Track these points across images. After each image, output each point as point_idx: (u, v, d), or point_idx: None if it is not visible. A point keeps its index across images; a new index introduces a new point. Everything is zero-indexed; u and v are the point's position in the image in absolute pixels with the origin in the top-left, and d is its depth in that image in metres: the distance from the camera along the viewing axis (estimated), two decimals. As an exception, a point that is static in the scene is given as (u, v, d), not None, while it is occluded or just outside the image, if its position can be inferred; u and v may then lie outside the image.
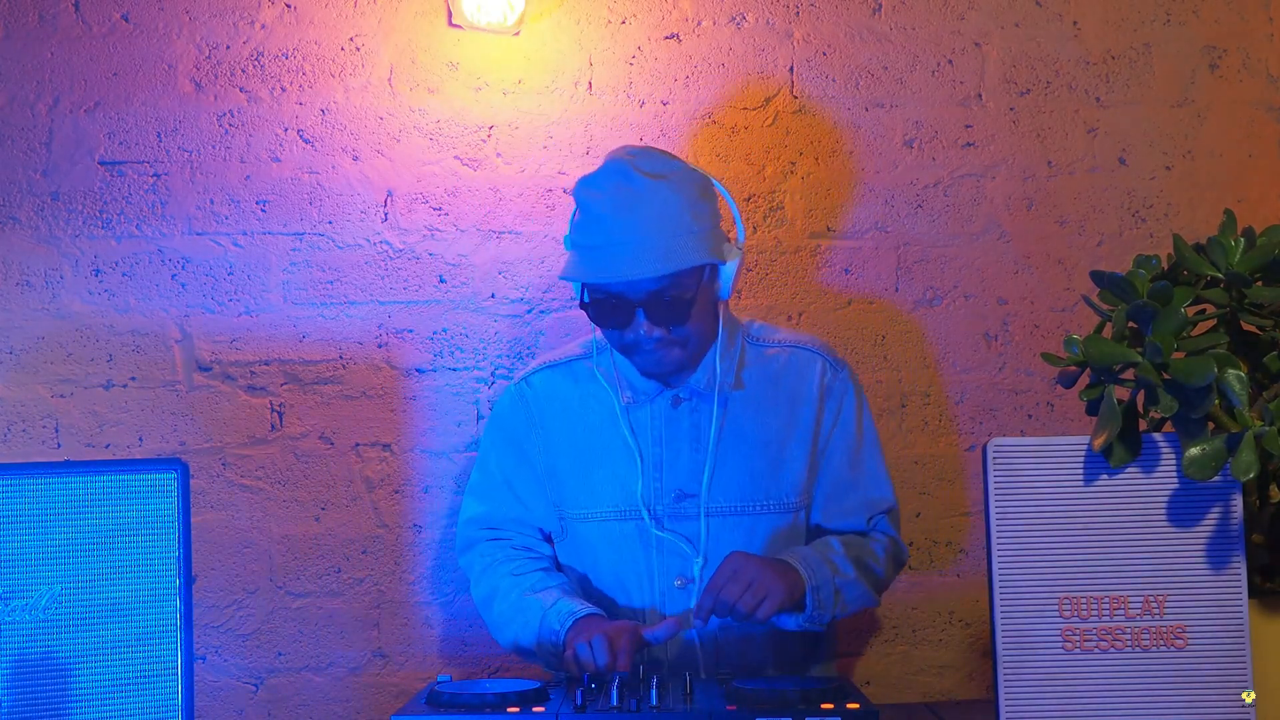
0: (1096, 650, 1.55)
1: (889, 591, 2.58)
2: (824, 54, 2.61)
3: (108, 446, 2.50)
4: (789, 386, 2.06)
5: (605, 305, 1.94)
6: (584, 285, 1.95)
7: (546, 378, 2.12)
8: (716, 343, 2.02)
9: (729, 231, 2.09)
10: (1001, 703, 1.55)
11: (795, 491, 2.04)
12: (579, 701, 1.61)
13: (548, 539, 2.12)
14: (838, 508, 2.07)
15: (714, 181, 2.02)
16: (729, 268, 1.97)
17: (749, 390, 2.04)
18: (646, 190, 1.91)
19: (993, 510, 1.57)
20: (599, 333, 2.06)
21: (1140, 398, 1.55)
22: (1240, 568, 1.55)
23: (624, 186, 1.91)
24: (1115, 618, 1.55)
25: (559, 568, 2.12)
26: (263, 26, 2.55)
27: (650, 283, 1.90)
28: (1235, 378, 1.48)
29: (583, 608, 1.93)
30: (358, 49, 2.56)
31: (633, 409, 2.04)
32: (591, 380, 2.08)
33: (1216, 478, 1.51)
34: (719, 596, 1.82)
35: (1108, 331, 1.60)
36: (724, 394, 2.02)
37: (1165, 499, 1.56)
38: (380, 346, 2.55)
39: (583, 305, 1.97)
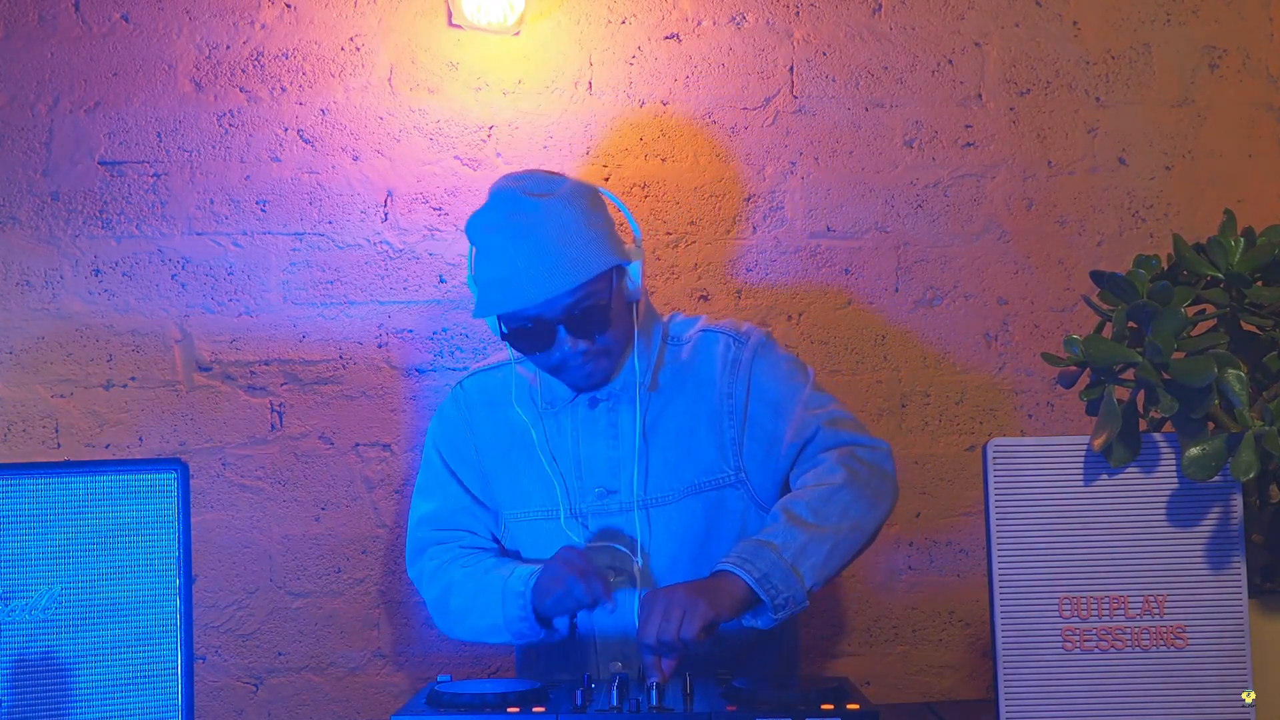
0: (1096, 650, 1.55)
1: (889, 591, 2.60)
2: (824, 54, 2.61)
3: (108, 446, 2.50)
4: (696, 373, 2.07)
5: (526, 332, 1.95)
6: (499, 318, 1.96)
7: (479, 381, 2.14)
8: (634, 346, 2.03)
9: (626, 236, 2.06)
10: (1001, 703, 1.55)
11: (709, 471, 2.03)
12: (579, 701, 1.61)
13: (495, 540, 2.13)
14: (783, 465, 2.04)
15: (601, 189, 2.02)
16: (635, 268, 1.98)
17: (663, 389, 2.05)
18: (540, 210, 1.92)
19: (993, 510, 1.57)
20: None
21: (1140, 398, 1.55)
22: (1240, 568, 1.55)
23: (516, 213, 1.92)
24: (1115, 618, 1.55)
25: None
26: (263, 26, 2.55)
27: (565, 297, 1.90)
28: (1235, 378, 1.48)
29: (540, 567, 1.94)
30: (358, 49, 2.55)
31: (551, 412, 2.06)
32: (518, 385, 2.10)
33: (1216, 478, 1.51)
34: (642, 640, 1.79)
35: (1108, 331, 1.60)
36: (641, 395, 2.03)
37: (1165, 499, 1.56)
38: (380, 346, 2.55)
39: (503, 337, 1.98)
